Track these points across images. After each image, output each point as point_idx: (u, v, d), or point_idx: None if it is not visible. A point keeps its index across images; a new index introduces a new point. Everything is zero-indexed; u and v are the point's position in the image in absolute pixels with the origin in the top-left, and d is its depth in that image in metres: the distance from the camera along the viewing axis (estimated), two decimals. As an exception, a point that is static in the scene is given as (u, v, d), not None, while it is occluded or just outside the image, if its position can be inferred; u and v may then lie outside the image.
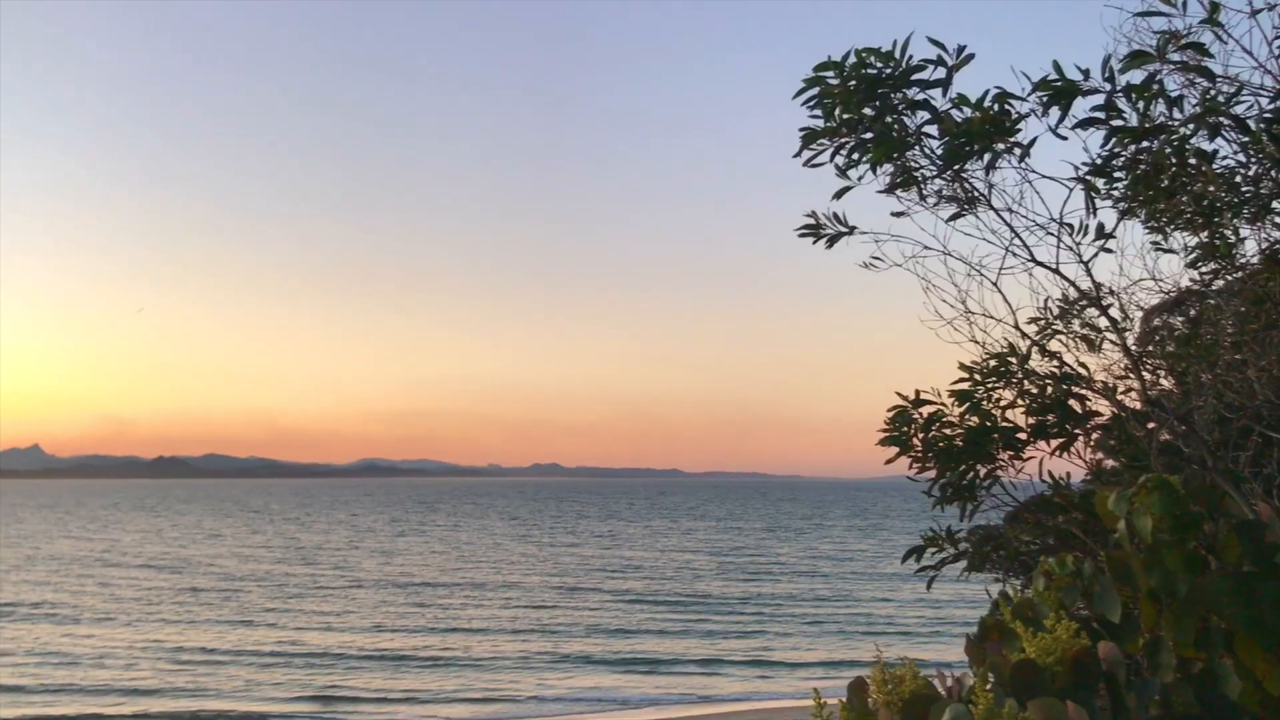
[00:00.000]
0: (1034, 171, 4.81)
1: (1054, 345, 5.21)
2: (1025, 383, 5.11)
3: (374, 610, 41.12)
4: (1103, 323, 5.12)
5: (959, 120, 4.62)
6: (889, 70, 4.58)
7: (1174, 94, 4.40)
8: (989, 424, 5.13)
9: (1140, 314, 5.73)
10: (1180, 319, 5.80)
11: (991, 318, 5.10)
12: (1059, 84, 4.43)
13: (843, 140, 4.74)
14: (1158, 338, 5.80)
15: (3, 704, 25.80)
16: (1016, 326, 5.08)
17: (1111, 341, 5.18)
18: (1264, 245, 4.96)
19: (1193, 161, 4.50)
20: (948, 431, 5.20)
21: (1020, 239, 4.96)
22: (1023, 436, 5.20)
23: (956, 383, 5.18)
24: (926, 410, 5.21)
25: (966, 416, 5.16)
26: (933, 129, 4.72)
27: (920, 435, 5.22)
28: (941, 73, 4.59)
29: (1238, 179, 4.61)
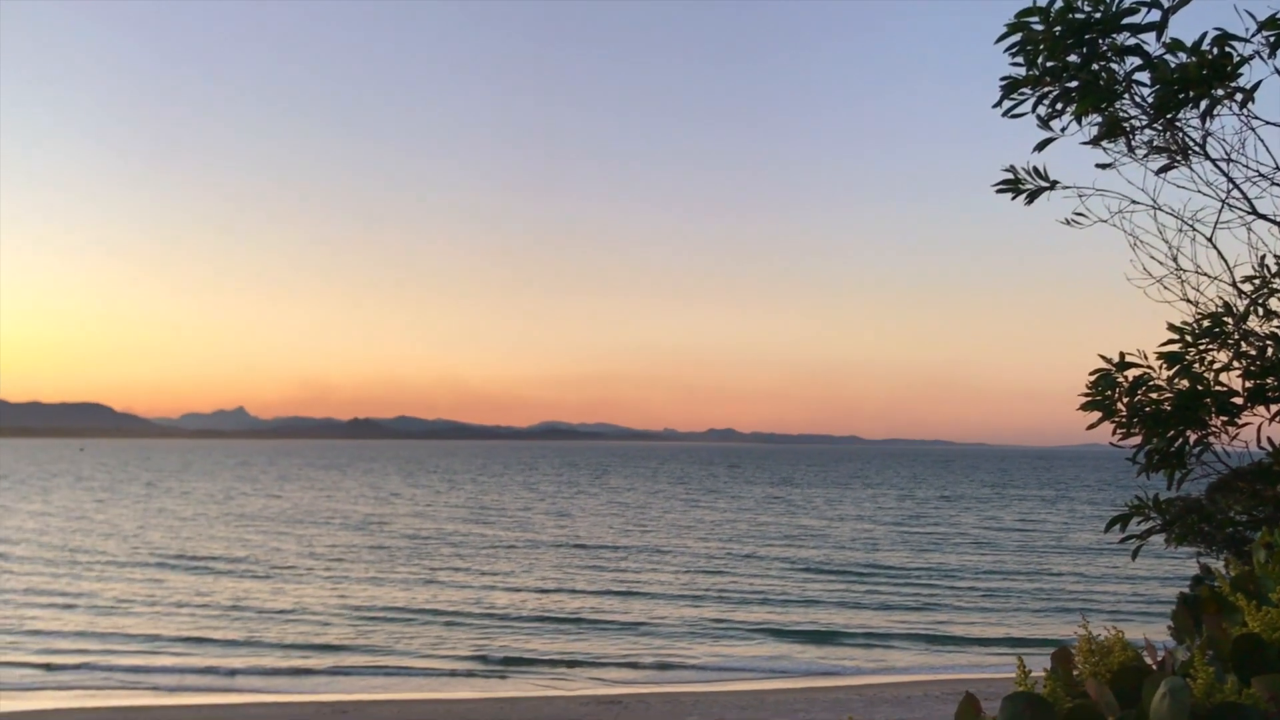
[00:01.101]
0: (1257, 118, 4.48)
1: (1274, 304, 4.87)
2: (1242, 344, 4.79)
3: (551, 571, 42.25)
4: (1330, 280, 4.75)
5: (1173, 66, 4.34)
6: (1098, 14, 4.34)
7: None
8: (1201, 387, 4.84)
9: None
10: None
11: (1205, 275, 4.80)
12: (1289, 22, 4.11)
13: (1046, 89, 4.53)
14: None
15: (197, 654, 27.76)
16: (1234, 284, 4.77)
17: (1339, 300, 4.80)
18: None
19: None
20: (1155, 396, 4.92)
21: (1240, 190, 4.64)
22: (1238, 401, 4.88)
23: (1165, 344, 4.89)
24: (1132, 373, 4.94)
25: (1176, 380, 4.87)
26: (1144, 75, 4.45)
27: (1125, 400, 4.96)
28: (1155, 15, 4.31)
29: None
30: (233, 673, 25.36)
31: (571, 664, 26.28)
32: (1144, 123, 4.61)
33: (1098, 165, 4.77)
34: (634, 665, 26.23)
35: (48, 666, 25.64)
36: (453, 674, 25.49)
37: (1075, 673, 2.78)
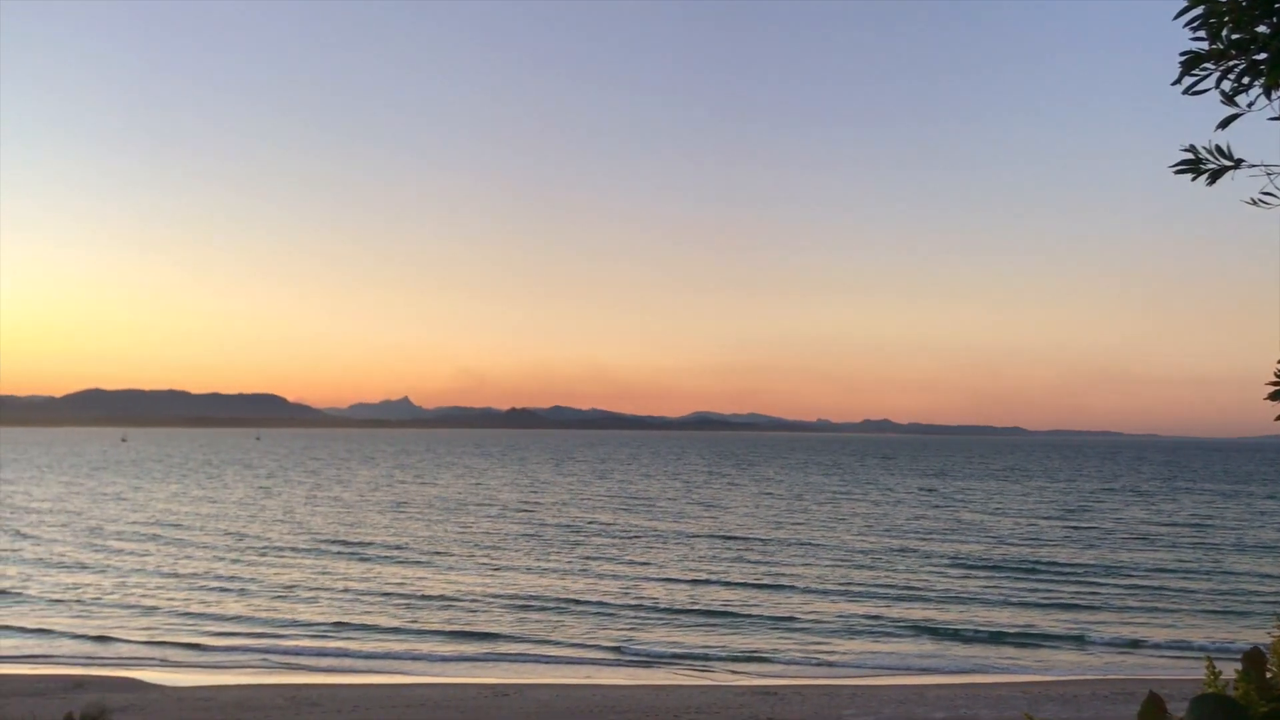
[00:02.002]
0: None
1: None
2: None
3: (702, 563, 42.32)
4: None
5: (1374, 33, 4.05)
6: (1289, -19, 4.08)
7: None
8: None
9: None
10: None
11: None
12: None
13: (1231, 63, 4.29)
14: None
15: (358, 638, 28.83)
16: None
17: None
18: None
19: None
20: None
21: None
22: None
23: (1364, 332, 4.58)
24: (1327, 362, 4.64)
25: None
26: (1340, 45, 4.17)
27: (1319, 389, 4.66)
28: (1354, -21, 4.03)
29: None
30: (396, 655, 26.33)
31: (724, 657, 26.30)
32: (1341, 96, 4.31)
33: (1289, 142, 4.49)
34: (785, 659, 26.07)
35: (212, 647, 27.16)
36: (606, 662, 25.86)
37: (1269, 675, 2.65)
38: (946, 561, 42.87)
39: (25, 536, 50.08)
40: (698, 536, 51.61)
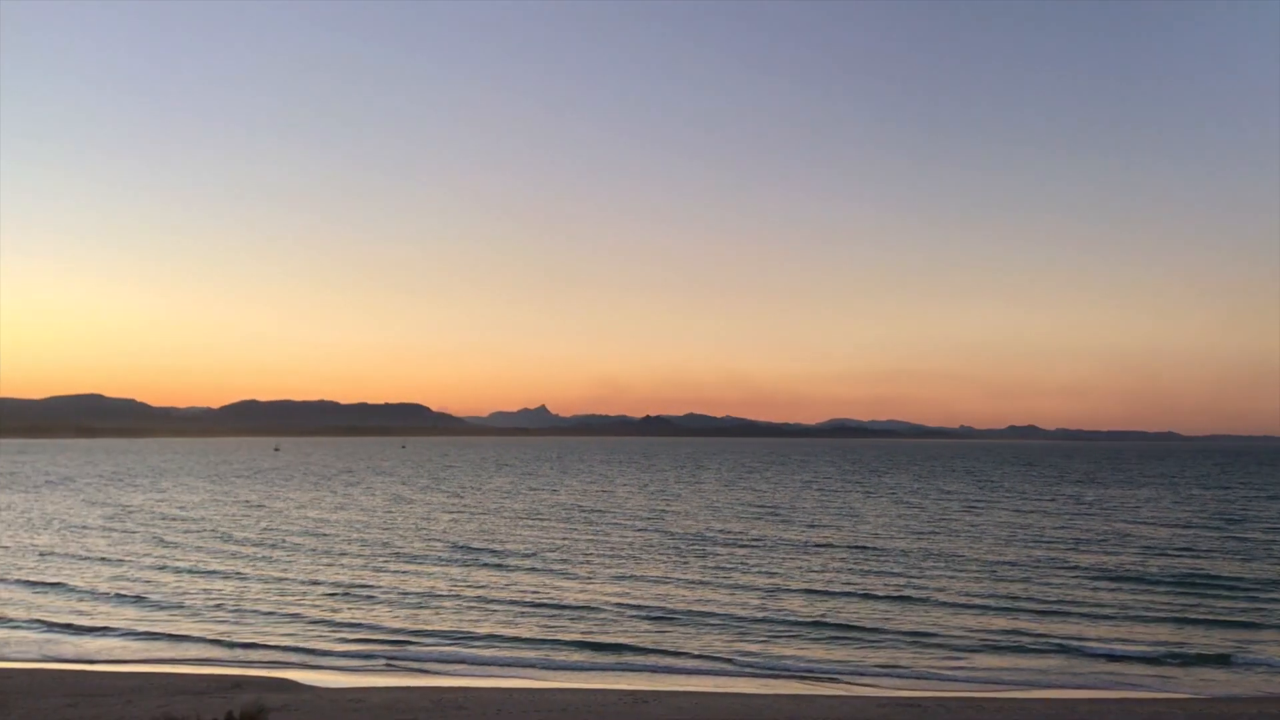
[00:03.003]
0: None
1: None
2: None
3: (839, 574, 41.71)
4: None
5: None
6: None
7: None
8: None
9: None
10: None
11: None
12: None
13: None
14: None
15: (493, 645, 29.33)
16: None
17: None
18: None
19: None
20: None
21: None
22: None
23: None
24: None
25: None
26: None
27: None
28: None
29: None
30: (529, 663, 26.72)
31: (860, 670, 25.90)
32: None
33: None
34: (925, 674, 25.52)
35: (356, 652, 28.06)
36: (741, 672, 25.71)
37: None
38: (1095, 574, 41.26)
39: (172, 545, 52.71)
40: (832, 547, 50.89)
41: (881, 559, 45.98)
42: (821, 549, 50.01)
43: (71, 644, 28.81)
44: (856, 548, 50.52)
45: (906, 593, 36.51)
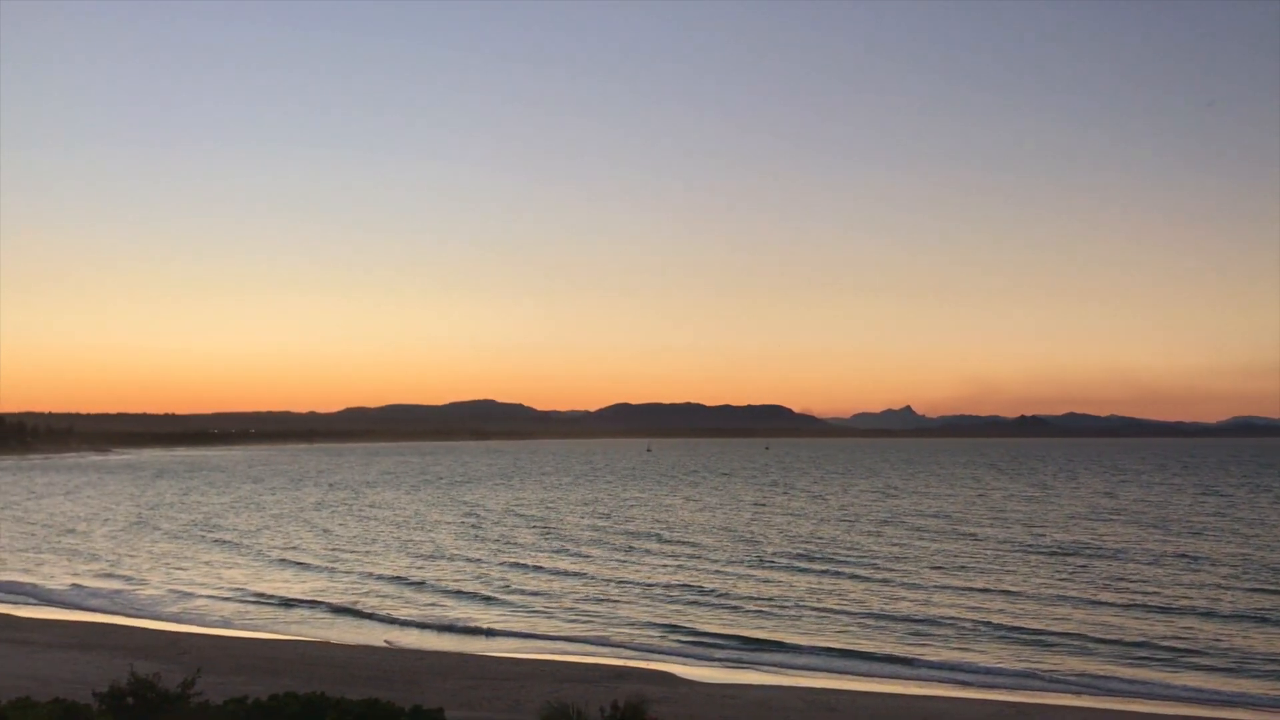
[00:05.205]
0: None
1: None
2: None
3: (1243, 594, 38.29)
4: None
5: None
6: None
7: None
8: None
9: None
10: None
11: None
12: None
13: None
14: None
15: (842, 663, 29.45)
16: None
17: None
18: None
19: None
20: None
21: None
22: None
23: None
24: None
25: None
26: None
27: None
28: None
29: None
30: (908, 662, 26.91)
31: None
32: None
33: None
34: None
35: (726, 647, 29.58)
36: (1134, 692, 24.58)
37: None
38: None
39: (565, 539, 57.02)
40: (1224, 563, 45.98)
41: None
42: (1207, 563, 45.57)
43: (468, 636, 32.13)
44: (1257, 566, 45.22)
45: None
